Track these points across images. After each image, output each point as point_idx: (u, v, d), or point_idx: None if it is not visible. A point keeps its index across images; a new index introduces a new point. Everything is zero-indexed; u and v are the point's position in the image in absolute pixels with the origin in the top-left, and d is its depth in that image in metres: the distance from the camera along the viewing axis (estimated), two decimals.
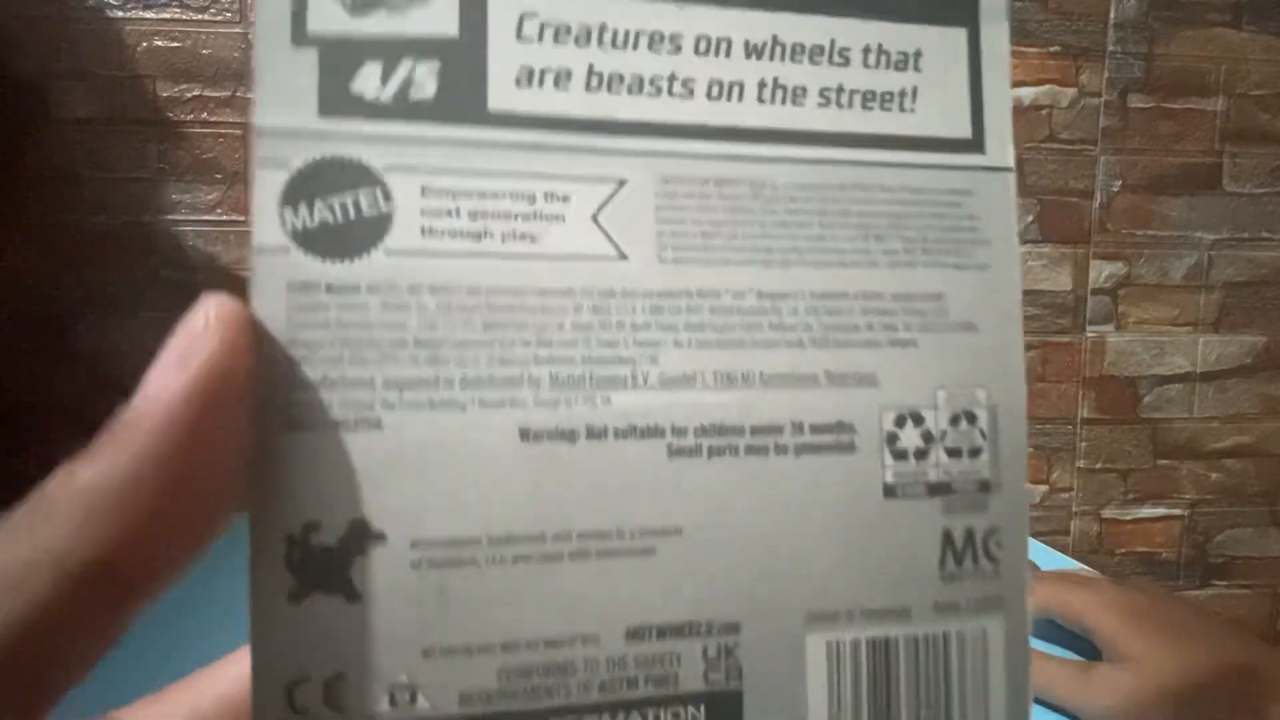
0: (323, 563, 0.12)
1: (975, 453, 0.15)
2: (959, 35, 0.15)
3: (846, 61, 0.15)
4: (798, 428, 0.14)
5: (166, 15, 0.91)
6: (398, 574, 0.12)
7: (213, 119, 0.92)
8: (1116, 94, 1.02)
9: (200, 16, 0.91)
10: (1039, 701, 0.33)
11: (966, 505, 0.15)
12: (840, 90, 0.15)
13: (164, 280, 0.92)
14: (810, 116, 0.14)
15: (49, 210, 0.90)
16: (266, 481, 0.12)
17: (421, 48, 0.13)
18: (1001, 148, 0.15)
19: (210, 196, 0.92)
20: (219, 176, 0.92)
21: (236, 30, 0.91)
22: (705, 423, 0.14)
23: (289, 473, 0.12)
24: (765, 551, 0.14)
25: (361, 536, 0.12)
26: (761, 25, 0.14)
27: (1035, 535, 0.65)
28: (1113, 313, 1.05)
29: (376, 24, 0.13)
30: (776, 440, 0.14)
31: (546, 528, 0.13)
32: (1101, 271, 1.04)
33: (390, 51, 0.13)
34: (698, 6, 0.14)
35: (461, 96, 0.13)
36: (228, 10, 0.91)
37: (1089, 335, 1.05)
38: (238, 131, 0.92)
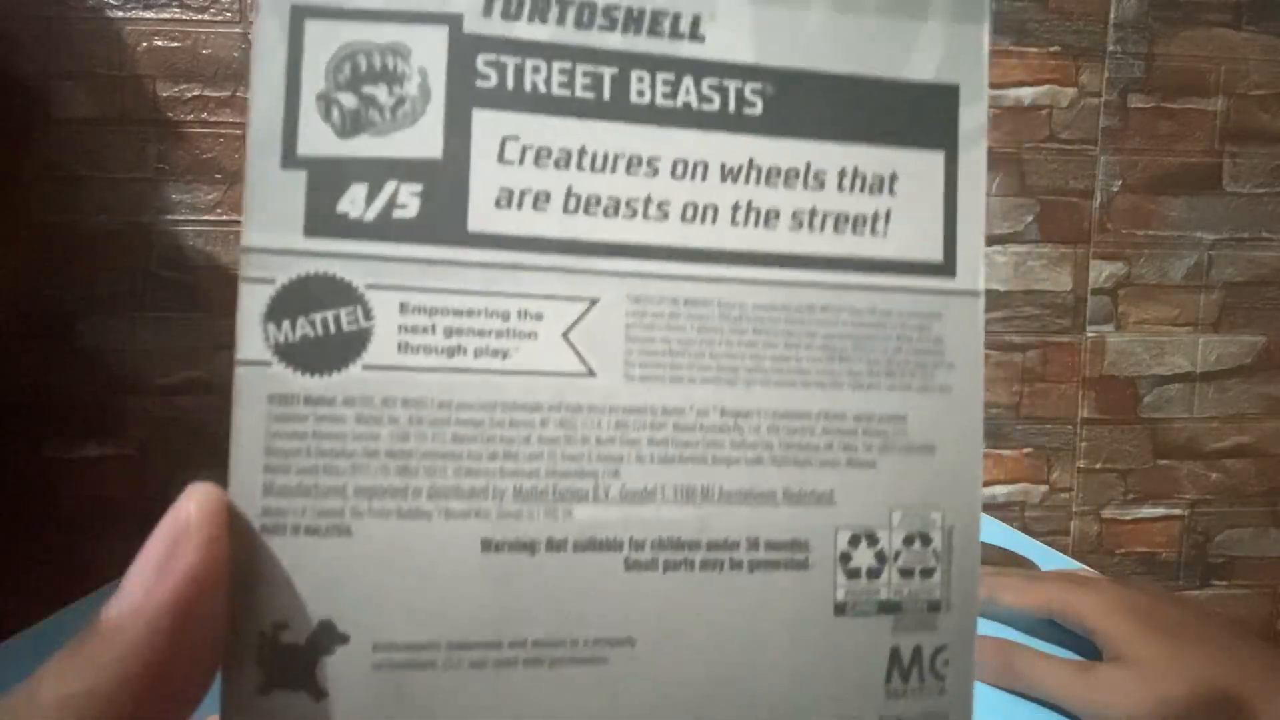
0: (290, 660, 0.13)
1: (927, 573, 0.15)
2: (936, 159, 0.15)
3: (821, 185, 0.15)
4: (753, 544, 0.14)
5: (166, 15, 0.91)
6: (359, 674, 0.13)
7: (213, 119, 0.92)
8: (1116, 94, 1.02)
9: (200, 16, 0.91)
10: (1039, 701, 0.33)
11: (916, 624, 0.15)
12: (813, 213, 0.15)
13: (164, 280, 0.92)
14: (781, 239, 0.15)
15: (49, 210, 0.90)
16: (242, 581, 0.13)
17: (406, 169, 0.14)
18: (972, 272, 0.15)
19: (210, 196, 0.92)
20: (219, 176, 0.92)
21: (236, 30, 0.91)
22: (663, 536, 0.14)
23: (262, 574, 0.13)
24: (716, 664, 0.14)
25: (328, 637, 0.13)
26: (739, 149, 0.15)
27: (1035, 535, 0.65)
28: (1113, 313, 1.05)
29: (363, 146, 0.13)
30: (732, 556, 0.14)
31: (503, 635, 0.13)
32: (1101, 271, 1.04)
33: (376, 173, 0.13)
34: (676, 130, 0.14)
35: (443, 217, 0.14)
36: (228, 10, 0.91)
37: (1089, 335, 1.05)
38: (237, 131, 0.92)
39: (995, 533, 0.65)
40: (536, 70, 0.14)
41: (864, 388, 0.15)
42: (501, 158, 0.14)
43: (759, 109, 0.15)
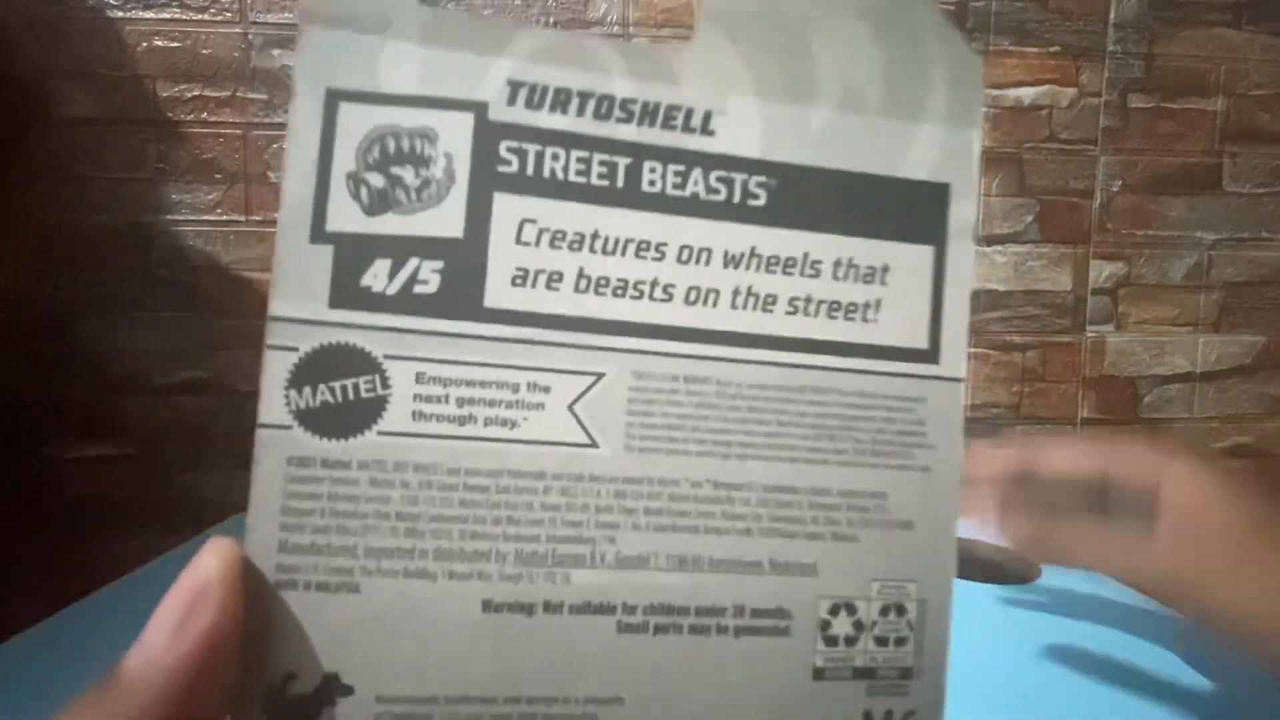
0: (296, 710, 0.14)
1: (901, 642, 0.16)
2: (926, 252, 0.16)
3: (817, 273, 0.16)
4: (739, 611, 0.15)
5: (166, 15, 0.91)
6: None
7: (213, 119, 0.92)
8: (1116, 94, 1.02)
9: (200, 16, 0.91)
10: (1081, 571, 0.29)
11: (888, 689, 0.16)
12: (809, 300, 0.16)
13: (163, 280, 0.92)
14: (778, 323, 0.16)
15: (49, 210, 0.90)
16: (255, 632, 0.13)
17: (428, 247, 0.14)
18: (955, 359, 0.16)
19: (210, 196, 0.92)
20: (219, 176, 0.92)
21: (236, 30, 0.91)
22: (654, 602, 0.15)
23: (275, 627, 0.14)
24: None
25: (332, 689, 0.14)
26: (741, 237, 0.15)
27: None
28: (1113, 313, 1.05)
29: (389, 224, 0.14)
30: (719, 621, 0.15)
31: (499, 691, 0.14)
32: (1101, 271, 1.05)
33: (399, 250, 0.14)
34: (684, 218, 0.15)
35: (461, 293, 0.14)
36: (228, 10, 0.91)
37: (1089, 335, 1.05)
38: (238, 131, 0.92)
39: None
40: (555, 157, 0.15)
41: (849, 465, 0.16)
42: (519, 239, 0.15)
43: (762, 201, 0.16)
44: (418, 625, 0.14)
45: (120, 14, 0.90)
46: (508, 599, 0.14)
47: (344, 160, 0.14)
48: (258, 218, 0.93)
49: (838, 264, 0.16)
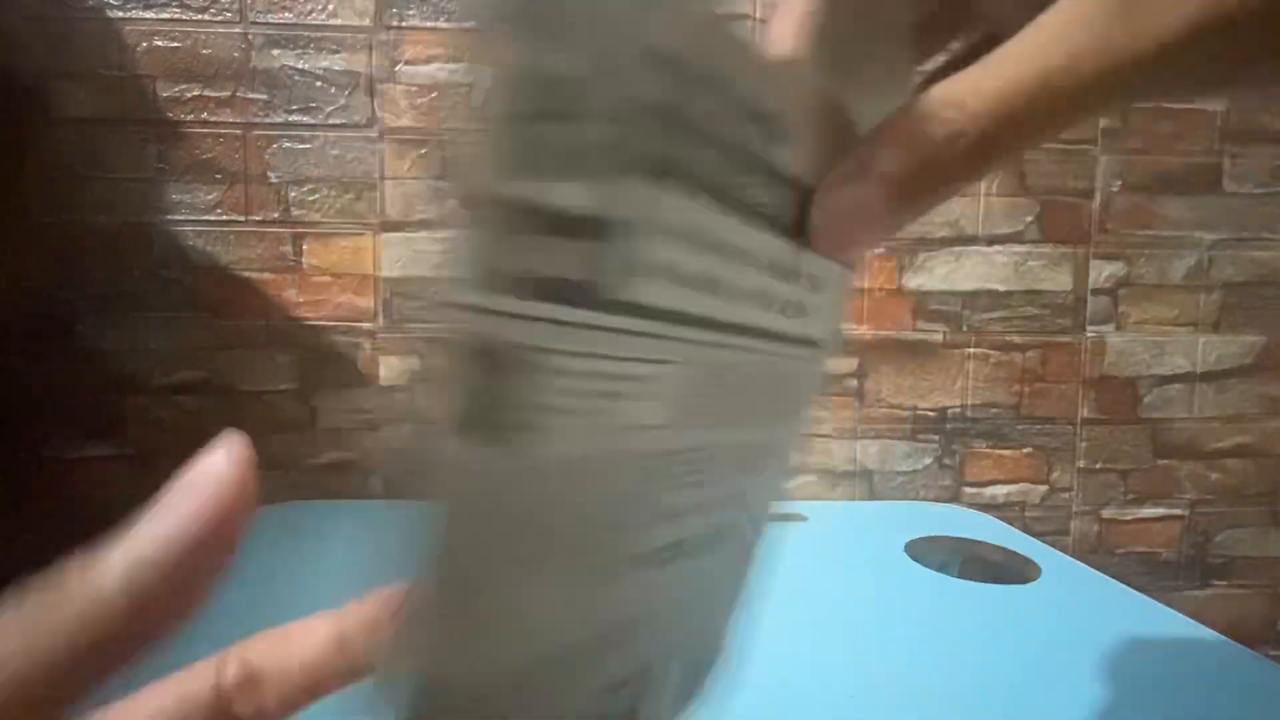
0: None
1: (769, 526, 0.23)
2: (843, 272, 0.20)
3: (797, 283, 0.19)
4: (717, 534, 0.20)
5: (166, 15, 0.91)
6: None
7: (212, 119, 0.92)
8: None
9: (200, 16, 0.91)
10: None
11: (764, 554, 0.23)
12: (789, 303, 0.19)
13: (164, 280, 0.92)
14: (774, 320, 0.18)
15: (49, 210, 0.90)
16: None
17: (580, 229, 0.14)
18: (832, 350, 0.21)
19: (210, 196, 0.92)
20: (219, 176, 0.92)
21: (236, 30, 0.91)
22: (674, 539, 0.18)
23: None
24: (685, 620, 0.20)
25: None
26: (774, 249, 0.17)
27: (1035, 535, 0.65)
28: (1113, 313, 1.05)
29: (549, 203, 0.14)
30: (707, 545, 0.19)
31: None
32: (1101, 271, 1.05)
33: (553, 232, 0.14)
34: (749, 228, 0.16)
35: (604, 283, 0.14)
36: (228, 10, 0.91)
37: (1089, 335, 1.05)
38: (237, 131, 0.92)
39: (995, 533, 0.65)
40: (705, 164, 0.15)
41: (779, 424, 0.21)
42: (662, 235, 0.15)
43: (788, 219, 0.18)
44: None
45: (120, 14, 0.90)
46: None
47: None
48: (258, 218, 0.93)
49: (810, 276, 0.19)
